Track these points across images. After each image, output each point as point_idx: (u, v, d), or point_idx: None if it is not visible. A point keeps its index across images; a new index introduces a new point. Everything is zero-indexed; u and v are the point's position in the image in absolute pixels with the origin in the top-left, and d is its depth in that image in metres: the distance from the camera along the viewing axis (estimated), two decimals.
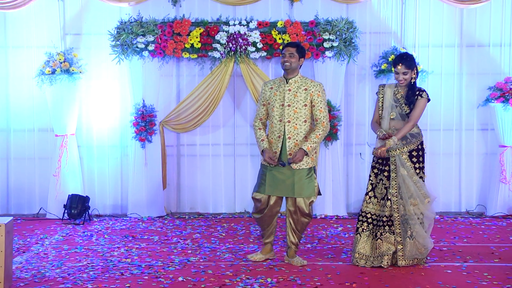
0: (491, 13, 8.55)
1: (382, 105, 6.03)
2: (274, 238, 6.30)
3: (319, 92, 5.93)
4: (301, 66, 6.04)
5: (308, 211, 6.00)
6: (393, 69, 5.99)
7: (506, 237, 7.24)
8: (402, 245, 5.91)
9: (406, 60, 5.88)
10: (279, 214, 6.44)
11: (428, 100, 5.98)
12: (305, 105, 5.91)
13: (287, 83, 5.97)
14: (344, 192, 8.56)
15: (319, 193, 6.10)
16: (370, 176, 6.08)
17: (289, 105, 5.91)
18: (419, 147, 5.97)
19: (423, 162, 6.00)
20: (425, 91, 5.98)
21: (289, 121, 5.91)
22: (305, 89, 5.93)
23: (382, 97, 6.05)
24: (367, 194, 6.06)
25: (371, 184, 6.05)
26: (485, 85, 8.46)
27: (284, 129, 5.92)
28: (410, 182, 5.89)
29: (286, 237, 6.23)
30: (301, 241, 6.35)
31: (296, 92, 5.93)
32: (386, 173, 5.98)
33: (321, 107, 5.92)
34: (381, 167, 6.02)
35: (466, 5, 8.42)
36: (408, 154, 5.93)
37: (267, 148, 5.98)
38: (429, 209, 5.98)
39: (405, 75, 5.89)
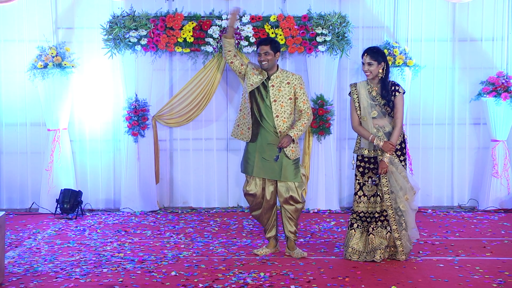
0: (483, 7, 8.56)
1: (359, 105, 5.97)
2: (277, 232, 6.35)
3: (301, 84, 6.09)
4: (277, 60, 6.13)
5: (301, 199, 6.13)
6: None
7: (497, 231, 7.27)
8: (400, 240, 5.93)
9: (372, 51, 5.88)
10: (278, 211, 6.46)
11: (404, 92, 5.96)
12: (290, 98, 6.06)
13: (269, 79, 6.06)
14: (337, 186, 8.57)
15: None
16: (356, 175, 6.06)
17: (275, 101, 6.03)
18: (402, 139, 6.00)
19: (405, 154, 6.05)
20: (399, 85, 5.97)
21: (277, 116, 6.02)
22: (288, 83, 6.06)
23: (357, 97, 5.97)
24: (356, 194, 6.04)
25: (359, 183, 6.03)
26: (478, 80, 8.48)
27: (261, 121, 6.05)
28: (398, 176, 5.89)
29: (283, 229, 6.25)
30: (298, 229, 6.37)
31: (280, 87, 6.05)
32: (374, 171, 5.97)
33: (304, 99, 6.09)
34: (367, 165, 6.01)
35: None
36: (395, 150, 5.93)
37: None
38: (414, 201, 6.03)
39: (370, 66, 5.85)
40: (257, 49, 6.11)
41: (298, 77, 6.11)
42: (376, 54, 5.86)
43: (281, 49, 8.19)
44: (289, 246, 6.22)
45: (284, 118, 6.04)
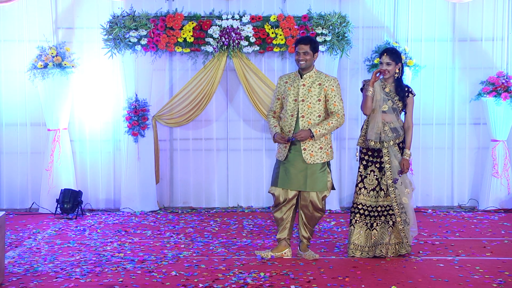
0: (483, 7, 8.57)
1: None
2: (289, 236, 6.13)
3: (332, 86, 5.91)
4: (315, 60, 6.01)
5: (321, 206, 5.99)
6: (377, 59, 6.10)
7: (498, 231, 7.27)
8: (404, 232, 6.00)
9: (391, 52, 6.06)
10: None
11: (415, 95, 6.15)
12: (319, 100, 5.90)
13: (301, 78, 5.96)
14: (337, 186, 8.54)
15: (333, 188, 6.09)
16: (359, 167, 6.14)
17: (303, 100, 5.90)
18: (402, 139, 6.08)
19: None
20: (412, 88, 6.15)
21: (303, 116, 5.89)
22: (319, 84, 5.92)
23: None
24: (357, 185, 6.12)
25: (360, 175, 6.11)
26: (478, 80, 8.48)
27: (296, 124, 5.90)
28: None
29: (298, 231, 6.19)
30: (313, 236, 6.26)
31: (310, 87, 5.92)
32: (378, 165, 6.03)
33: (335, 101, 5.90)
34: (371, 158, 6.07)
35: None
36: (398, 145, 6.04)
37: (278, 132, 5.98)
38: (412, 199, 6.11)
39: (388, 65, 6.00)
40: (295, 47, 5.96)
41: (332, 79, 5.94)
42: (394, 55, 6.03)
43: (281, 49, 8.23)
44: (301, 248, 6.15)
45: (310, 119, 5.86)
